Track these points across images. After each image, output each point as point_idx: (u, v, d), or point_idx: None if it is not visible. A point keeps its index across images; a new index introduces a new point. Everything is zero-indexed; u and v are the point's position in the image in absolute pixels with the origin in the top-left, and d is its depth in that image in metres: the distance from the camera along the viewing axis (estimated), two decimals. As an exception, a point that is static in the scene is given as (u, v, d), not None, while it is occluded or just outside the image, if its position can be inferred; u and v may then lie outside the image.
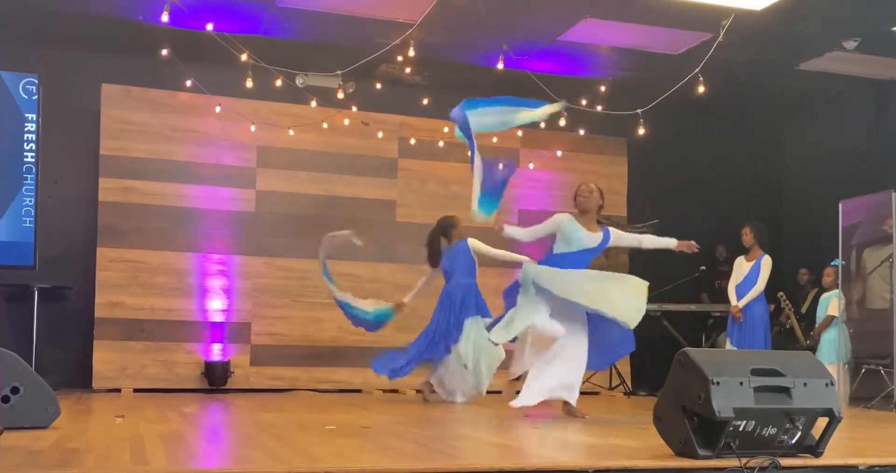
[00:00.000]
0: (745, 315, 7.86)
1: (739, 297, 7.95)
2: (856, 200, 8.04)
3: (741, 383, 3.61)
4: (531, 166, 9.33)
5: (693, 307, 9.29)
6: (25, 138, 7.71)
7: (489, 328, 6.24)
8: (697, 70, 7.34)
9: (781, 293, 8.58)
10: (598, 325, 5.89)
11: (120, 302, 8.10)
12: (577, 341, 5.86)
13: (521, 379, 6.20)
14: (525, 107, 6.19)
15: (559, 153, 9.33)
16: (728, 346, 7.97)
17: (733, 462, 3.49)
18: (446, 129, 8.88)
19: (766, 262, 7.92)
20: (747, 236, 8.03)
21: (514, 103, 6.18)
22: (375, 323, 7.44)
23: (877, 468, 3.68)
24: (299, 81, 8.41)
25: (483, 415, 6.20)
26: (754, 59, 8.45)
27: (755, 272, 7.93)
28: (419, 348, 7.13)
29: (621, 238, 6.18)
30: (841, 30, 7.80)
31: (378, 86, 8.55)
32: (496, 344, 6.66)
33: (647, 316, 8.04)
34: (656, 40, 8.11)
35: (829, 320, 8.12)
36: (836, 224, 8.05)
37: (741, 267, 8.05)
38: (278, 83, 7.72)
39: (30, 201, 7.70)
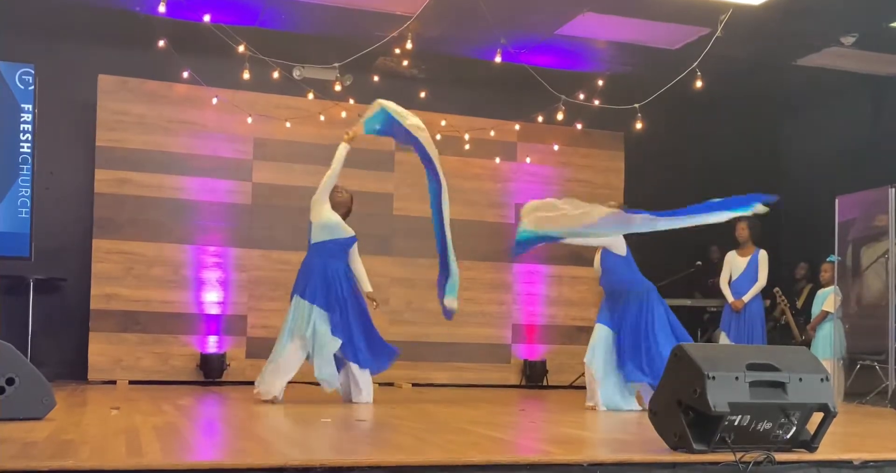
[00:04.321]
0: (744, 310, 7.88)
1: (735, 292, 7.96)
2: (852, 196, 8.05)
3: (737, 378, 3.61)
4: (528, 160, 9.33)
5: (688, 302, 9.29)
6: (22, 129, 7.69)
7: None
8: (695, 65, 7.33)
9: (777, 288, 8.59)
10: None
11: (116, 293, 8.08)
12: None
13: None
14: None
15: (556, 147, 9.32)
16: (723, 341, 7.99)
17: (728, 457, 3.49)
18: (443, 123, 8.88)
19: (764, 257, 7.94)
20: (743, 231, 8.04)
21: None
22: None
23: (871, 463, 3.69)
24: (296, 73, 8.39)
25: (478, 409, 6.20)
26: (752, 54, 8.44)
27: (752, 267, 7.94)
28: None
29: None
30: (839, 25, 7.80)
31: (375, 78, 8.53)
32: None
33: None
34: (654, 35, 8.10)
35: (823, 315, 8.13)
36: (832, 219, 8.05)
37: (734, 262, 8.05)
38: (275, 75, 7.70)
39: (26, 192, 7.69)
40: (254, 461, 3.16)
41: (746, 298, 7.84)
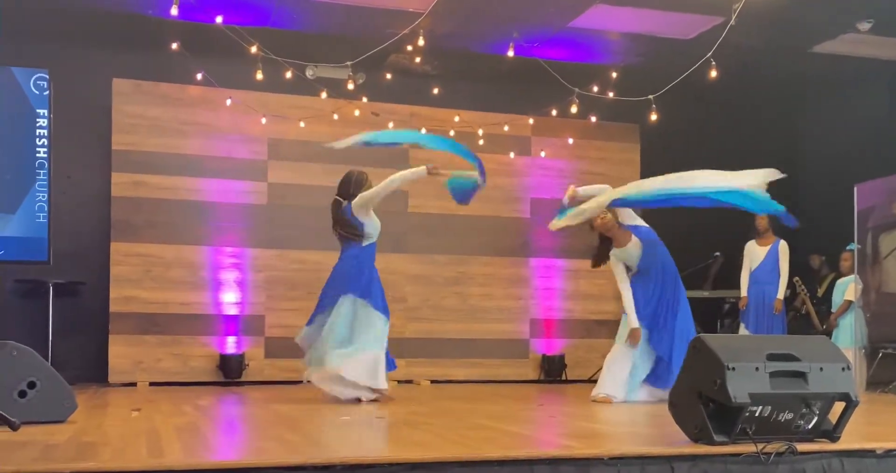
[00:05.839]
0: (763, 300, 7.84)
1: (755, 282, 7.92)
2: (871, 183, 7.98)
3: (757, 368, 3.58)
4: (543, 154, 9.30)
5: (707, 293, 9.25)
6: (37, 134, 7.74)
7: None
8: (710, 55, 7.28)
9: (797, 278, 8.53)
10: None
11: (134, 296, 8.12)
12: None
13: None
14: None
15: (571, 140, 9.28)
16: (743, 332, 7.95)
17: (750, 448, 3.47)
18: (457, 118, 8.87)
19: (785, 247, 7.91)
20: (762, 220, 8.01)
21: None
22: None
23: (894, 452, 3.66)
24: (309, 73, 8.40)
25: (497, 405, 6.19)
26: (767, 42, 8.38)
27: (772, 256, 7.90)
28: None
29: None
30: (854, 11, 7.72)
31: (388, 76, 8.53)
32: None
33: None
34: (667, 25, 8.05)
35: (847, 305, 8.07)
36: (851, 207, 7.99)
37: (754, 251, 8.01)
38: (288, 75, 7.71)
39: (43, 197, 7.73)
40: (274, 460, 3.17)
41: (780, 295, 7.83)
